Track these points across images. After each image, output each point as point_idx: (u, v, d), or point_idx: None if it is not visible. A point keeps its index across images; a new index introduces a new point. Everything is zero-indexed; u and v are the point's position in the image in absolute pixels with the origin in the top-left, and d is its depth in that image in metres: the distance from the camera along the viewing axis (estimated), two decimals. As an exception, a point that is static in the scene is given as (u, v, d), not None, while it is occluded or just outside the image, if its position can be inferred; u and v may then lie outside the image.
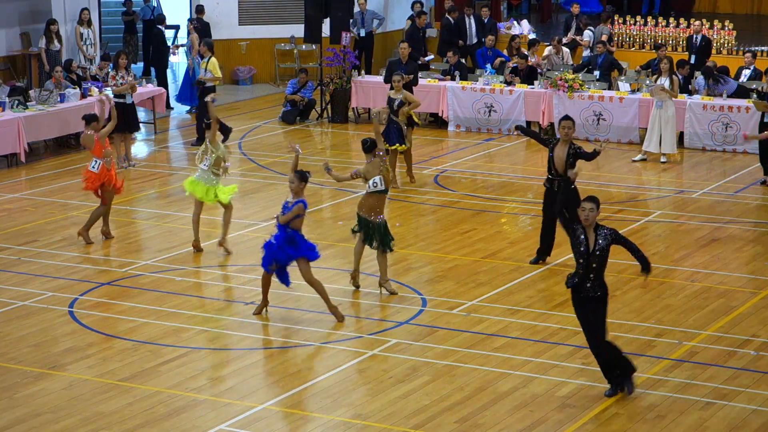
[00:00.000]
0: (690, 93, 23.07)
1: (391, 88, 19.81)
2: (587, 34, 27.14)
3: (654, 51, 24.65)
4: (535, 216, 17.53)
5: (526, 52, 25.91)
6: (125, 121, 21.20)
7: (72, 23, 26.14)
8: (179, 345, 13.20)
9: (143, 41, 29.31)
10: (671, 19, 28.01)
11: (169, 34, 29.38)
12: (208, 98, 15.22)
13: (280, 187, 19.47)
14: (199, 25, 27.05)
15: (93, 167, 16.67)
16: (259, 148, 22.98)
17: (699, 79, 23.71)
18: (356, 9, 27.77)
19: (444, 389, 12.00)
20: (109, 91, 21.69)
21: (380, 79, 24.19)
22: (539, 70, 25.17)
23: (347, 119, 25.50)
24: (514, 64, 25.18)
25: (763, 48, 26.83)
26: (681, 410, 11.53)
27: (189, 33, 26.87)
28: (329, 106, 25.64)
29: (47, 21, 25.18)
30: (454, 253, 16.50)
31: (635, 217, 18.19)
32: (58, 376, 12.34)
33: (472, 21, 28.08)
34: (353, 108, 25.58)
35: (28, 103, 21.96)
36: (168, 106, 25.92)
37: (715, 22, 27.40)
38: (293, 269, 13.78)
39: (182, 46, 28.70)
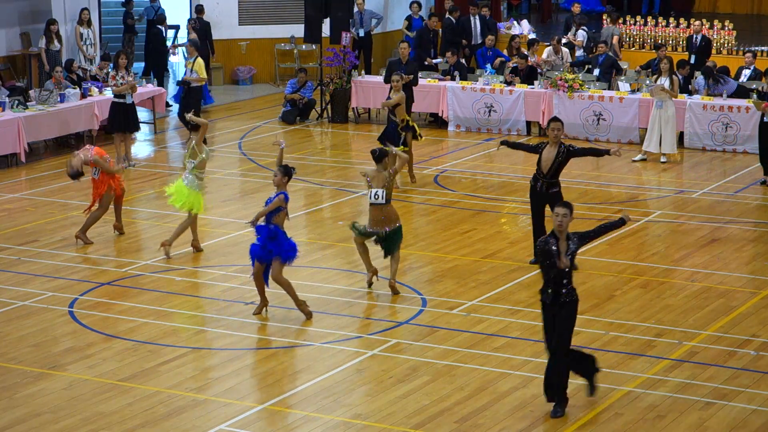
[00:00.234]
0: (690, 93, 23.06)
1: (391, 89, 19.83)
2: (581, 34, 27.09)
3: (654, 51, 24.65)
4: (535, 216, 17.52)
5: (526, 52, 25.90)
6: (125, 121, 21.22)
7: (72, 23, 26.12)
8: (179, 345, 13.20)
9: (144, 41, 29.28)
10: (671, 19, 28.03)
11: (169, 34, 29.36)
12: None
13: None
14: (199, 25, 27.04)
15: (94, 174, 16.78)
16: (259, 148, 22.96)
17: (699, 79, 23.70)
18: (355, 9, 27.76)
19: (444, 389, 11.99)
20: (108, 92, 21.66)
21: (380, 79, 24.19)
22: (539, 70, 25.18)
23: (347, 119, 25.50)
24: (514, 64, 25.18)
25: (763, 48, 26.84)
26: (681, 410, 11.52)
27: (189, 33, 26.86)
28: (329, 106, 25.64)
29: (47, 21, 25.16)
30: (454, 253, 16.50)
31: (635, 217, 18.17)
32: (58, 376, 12.34)
33: (477, 21, 28.04)
34: (353, 108, 25.59)
35: (28, 103, 21.96)
36: (168, 106, 25.91)
37: (715, 22, 27.41)
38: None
39: (182, 46, 28.68)
